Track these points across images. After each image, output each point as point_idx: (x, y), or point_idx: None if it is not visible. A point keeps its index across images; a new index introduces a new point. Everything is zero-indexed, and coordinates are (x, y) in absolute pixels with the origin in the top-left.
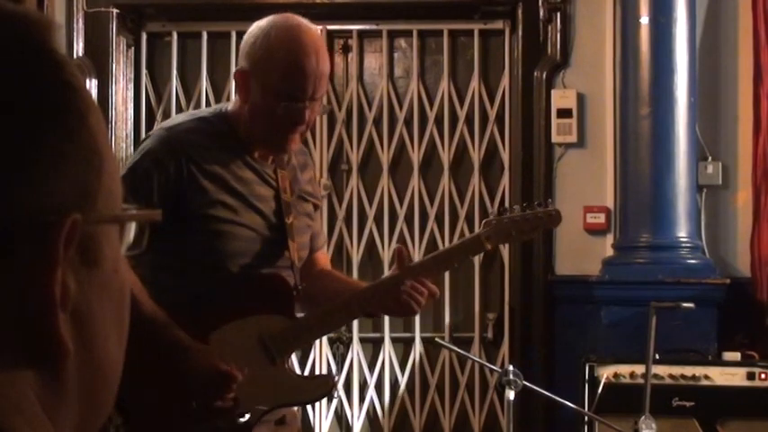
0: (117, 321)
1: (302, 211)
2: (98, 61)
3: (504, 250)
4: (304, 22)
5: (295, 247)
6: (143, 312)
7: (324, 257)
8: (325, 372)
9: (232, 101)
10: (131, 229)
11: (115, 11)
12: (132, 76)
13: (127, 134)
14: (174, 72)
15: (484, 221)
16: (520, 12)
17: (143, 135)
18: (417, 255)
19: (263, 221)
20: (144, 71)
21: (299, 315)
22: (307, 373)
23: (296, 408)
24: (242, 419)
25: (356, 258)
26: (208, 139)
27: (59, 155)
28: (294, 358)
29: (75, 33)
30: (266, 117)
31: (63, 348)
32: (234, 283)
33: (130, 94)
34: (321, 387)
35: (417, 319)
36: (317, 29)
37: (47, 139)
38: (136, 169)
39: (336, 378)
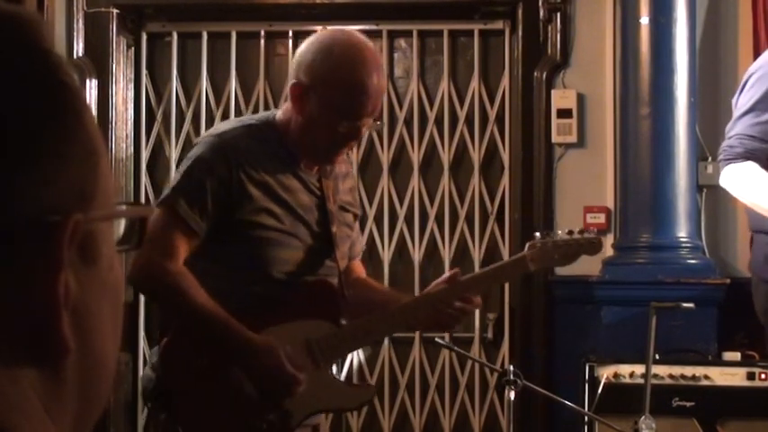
0: (113, 317)
1: (343, 220)
2: (98, 61)
3: (504, 250)
4: (363, 38)
5: (339, 256)
6: (202, 310)
7: (359, 266)
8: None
9: (281, 108)
10: (120, 226)
11: (115, 11)
12: (132, 76)
13: (127, 134)
14: (175, 72)
15: (528, 244)
16: (520, 12)
17: (143, 135)
18: (417, 255)
19: (306, 230)
20: (144, 71)
21: (344, 323)
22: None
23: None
24: (284, 421)
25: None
26: (256, 147)
27: (60, 155)
28: None
29: (75, 33)
30: (323, 132)
31: (65, 347)
32: (282, 288)
33: (130, 94)
34: (363, 395)
35: None
36: (373, 45)
37: (47, 140)
38: (189, 176)
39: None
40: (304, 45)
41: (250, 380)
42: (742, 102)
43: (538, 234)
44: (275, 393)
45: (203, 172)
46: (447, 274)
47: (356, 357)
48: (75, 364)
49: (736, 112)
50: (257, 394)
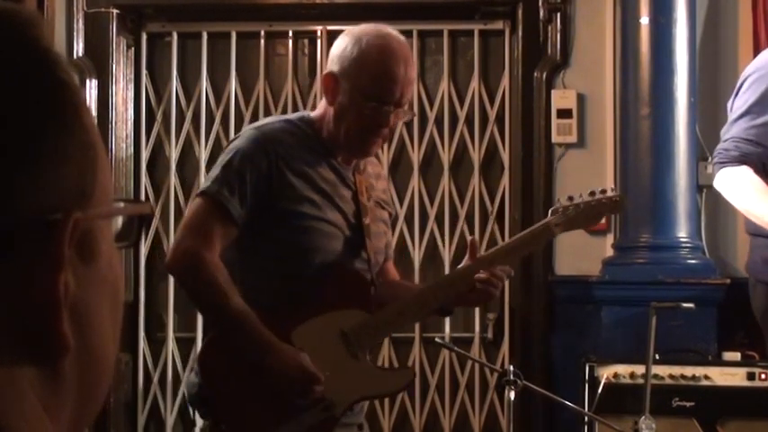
0: (112, 315)
1: (378, 216)
2: (98, 62)
3: None
4: (394, 32)
5: (371, 247)
6: (232, 309)
7: (392, 268)
8: None
9: (318, 106)
10: (119, 222)
11: (115, 11)
12: (132, 76)
13: (127, 134)
14: (175, 72)
15: (551, 210)
16: (520, 12)
17: (143, 135)
18: (417, 256)
19: (344, 221)
20: (144, 71)
21: (377, 311)
22: None
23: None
24: (328, 412)
25: None
26: (295, 140)
27: (59, 153)
28: None
29: (75, 34)
30: (353, 117)
31: (65, 345)
32: (319, 279)
33: (130, 94)
34: (404, 377)
35: None
36: (405, 40)
37: (47, 138)
38: (230, 167)
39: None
40: (338, 39)
41: (274, 380)
42: (737, 105)
43: (560, 198)
44: (295, 392)
45: (243, 163)
46: (468, 246)
47: None
48: (74, 362)
49: (732, 115)
50: (284, 395)
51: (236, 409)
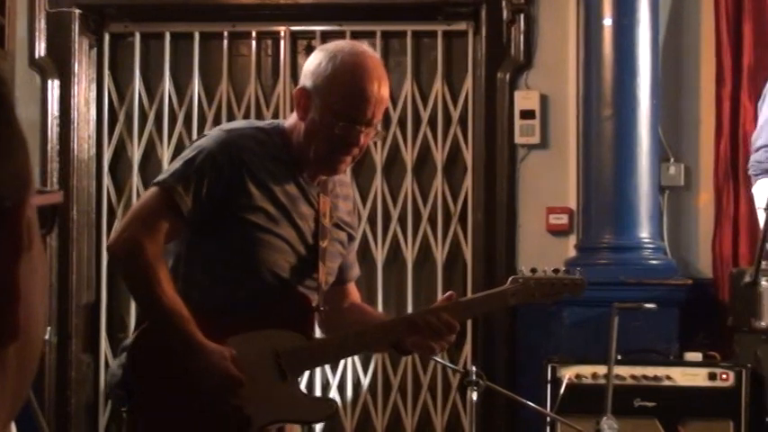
0: (42, 300)
1: (336, 237)
2: (60, 62)
3: (467, 251)
4: (369, 50)
5: (324, 271)
6: (165, 303)
7: (355, 291)
8: None
9: (290, 117)
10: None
11: (77, 11)
12: (95, 76)
13: (89, 135)
14: (137, 73)
15: (511, 278)
16: (483, 13)
17: (105, 136)
18: (380, 257)
19: (298, 239)
20: (106, 72)
21: (317, 337)
22: None
23: None
24: (243, 426)
25: None
26: (262, 149)
27: (5, 144)
28: None
29: (37, 34)
30: (323, 135)
31: (18, 332)
32: (261, 293)
33: (93, 94)
34: (325, 409)
35: None
36: (379, 57)
37: None
38: (191, 164)
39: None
40: (313, 54)
41: (200, 383)
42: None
43: (523, 269)
44: (217, 395)
45: (205, 162)
46: (439, 299)
47: None
48: (17, 346)
49: (761, 119)
50: (205, 396)
51: (156, 402)
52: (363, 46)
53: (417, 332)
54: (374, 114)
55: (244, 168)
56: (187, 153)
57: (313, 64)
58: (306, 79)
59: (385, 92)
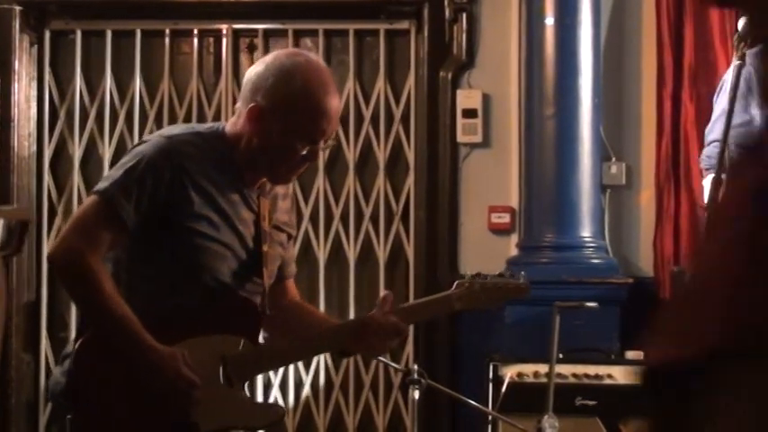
0: None
1: (276, 239)
2: (0, 59)
3: (410, 249)
4: (318, 59)
5: (267, 275)
6: (111, 312)
7: (293, 288)
8: None
9: (229, 121)
10: None
11: (18, 8)
12: (35, 74)
13: (30, 132)
14: (78, 70)
15: (457, 282)
16: (425, 12)
17: (46, 134)
18: (322, 255)
19: (240, 244)
20: (47, 69)
21: (262, 342)
22: None
23: None
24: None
25: None
26: (203, 155)
27: None
28: None
29: None
30: (283, 155)
31: None
32: (204, 300)
33: (33, 92)
34: (271, 415)
35: None
36: (324, 63)
37: None
38: (131, 173)
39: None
40: (261, 67)
41: (152, 386)
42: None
43: (468, 273)
44: (174, 397)
45: (146, 170)
46: (379, 300)
47: None
48: None
49: (714, 114)
50: (161, 402)
51: (102, 410)
52: (314, 57)
53: (364, 336)
54: (334, 128)
55: (185, 175)
56: (127, 160)
57: (268, 81)
58: (259, 97)
59: (340, 102)
